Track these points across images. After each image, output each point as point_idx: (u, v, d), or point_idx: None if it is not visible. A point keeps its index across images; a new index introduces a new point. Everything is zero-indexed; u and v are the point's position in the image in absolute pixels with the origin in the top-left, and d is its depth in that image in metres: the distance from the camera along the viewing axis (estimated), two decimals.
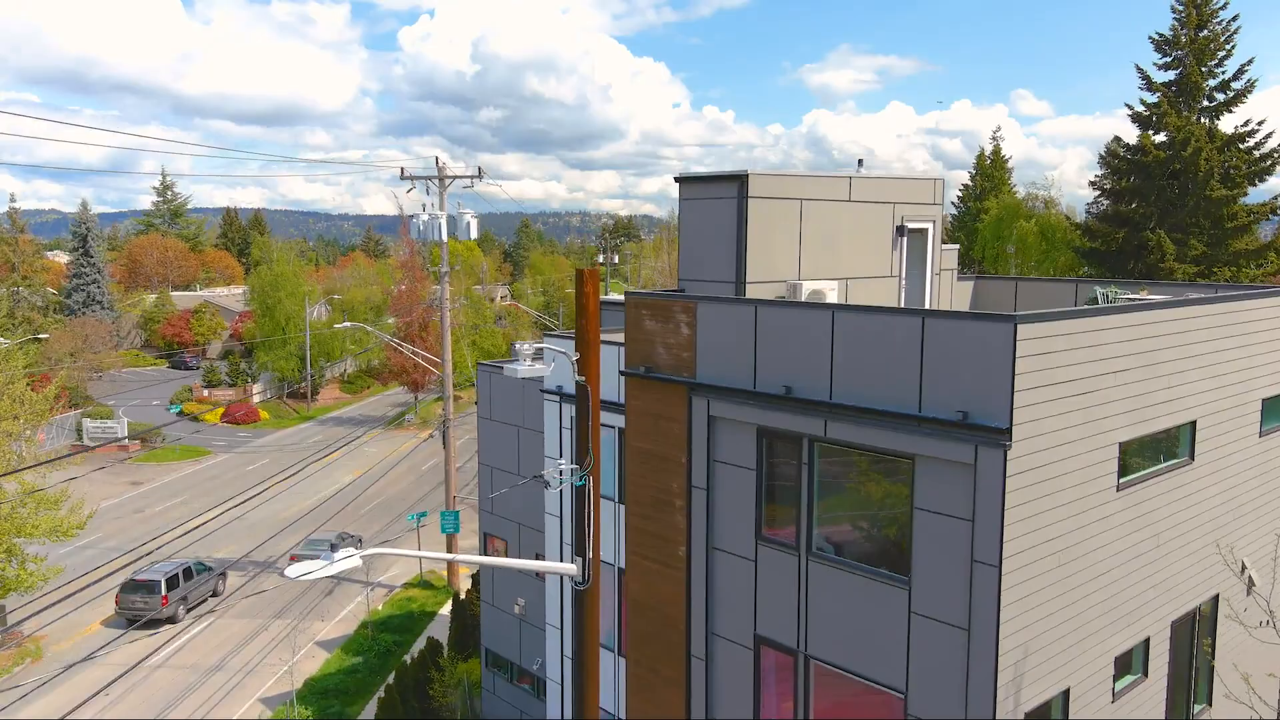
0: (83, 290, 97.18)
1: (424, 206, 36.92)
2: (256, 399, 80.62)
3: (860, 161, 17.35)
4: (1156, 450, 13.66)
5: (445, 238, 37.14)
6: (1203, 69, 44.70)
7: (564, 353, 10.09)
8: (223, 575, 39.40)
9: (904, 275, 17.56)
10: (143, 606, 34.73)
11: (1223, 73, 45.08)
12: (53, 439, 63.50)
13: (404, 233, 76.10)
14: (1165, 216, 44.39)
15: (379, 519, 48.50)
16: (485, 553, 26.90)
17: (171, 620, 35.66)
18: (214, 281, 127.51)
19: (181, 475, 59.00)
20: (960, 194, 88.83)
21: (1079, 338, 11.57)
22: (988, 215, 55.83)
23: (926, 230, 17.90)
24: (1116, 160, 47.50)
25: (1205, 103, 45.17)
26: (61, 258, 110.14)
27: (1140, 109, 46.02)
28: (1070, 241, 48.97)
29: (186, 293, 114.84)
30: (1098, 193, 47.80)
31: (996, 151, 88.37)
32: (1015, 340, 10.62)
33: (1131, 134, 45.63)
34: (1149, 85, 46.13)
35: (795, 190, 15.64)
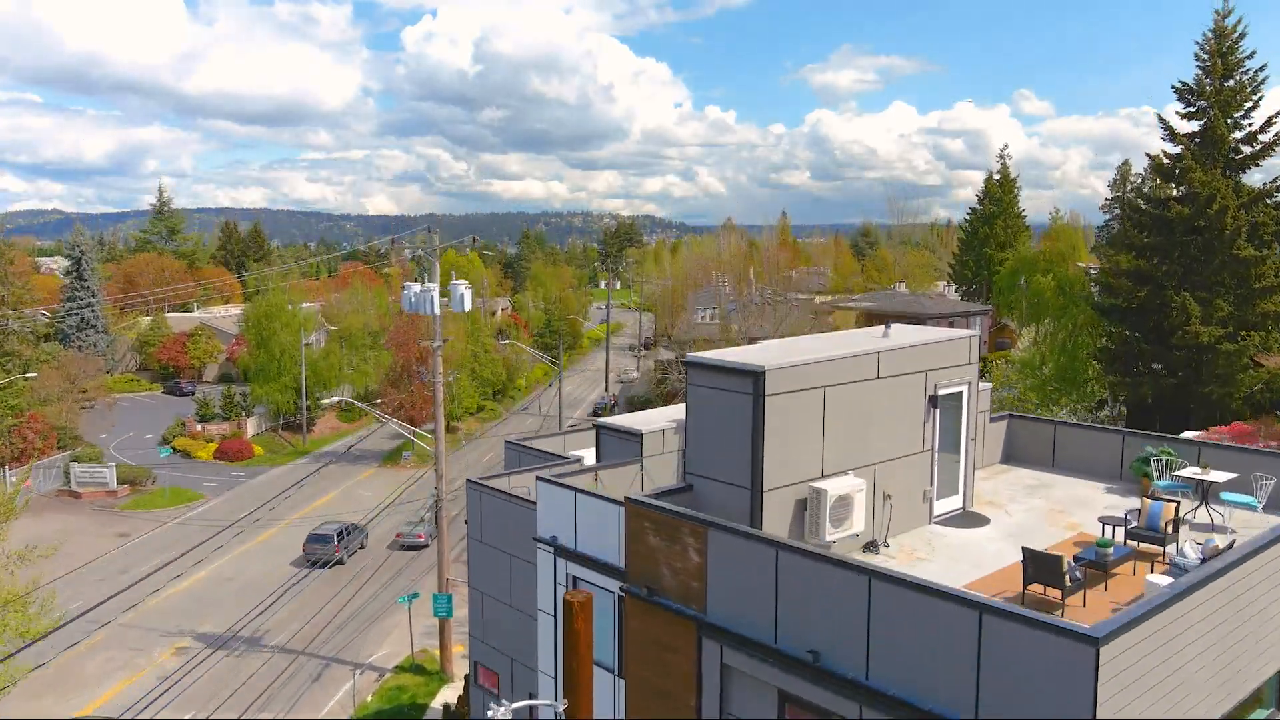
0: (77, 314, 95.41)
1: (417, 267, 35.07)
2: (251, 433, 78.84)
3: (887, 324, 15.55)
4: (1240, 711, 11.87)
5: (439, 311, 35.41)
6: (1228, 121, 42.70)
7: (551, 704, 8.31)
8: (366, 534, 50.17)
9: (937, 448, 15.75)
10: (322, 552, 45.46)
11: (1249, 125, 43.09)
12: (39, 484, 61.83)
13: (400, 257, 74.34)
14: (1189, 274, 42.41)
15: (383, 572, 46.57)
16: (477, 681, 25.29)
17: (339, 563, 46.24)
18: (211, 300, 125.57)
19: (171, 525, 57.20)
20: (968, 216, 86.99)
21: (1165, 631, 9.78)
22: (1003, 267, 54.10)
23: (961, 394, 16.11)
24: (1137, 214, 45.67)
25: (1231, 155, 43.19)
26: (61, 264, 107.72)
27: (1162, 159, 44.18)
28: (1089, 297, 47.09)
29: (183, 314, 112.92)
30: (1115, 246, 46.04)
31: (1004, 172, 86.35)
32: (1098, 665, 8.82)
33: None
34: (1172, 136, 44.22)
35: (817, 378, 13.82)
